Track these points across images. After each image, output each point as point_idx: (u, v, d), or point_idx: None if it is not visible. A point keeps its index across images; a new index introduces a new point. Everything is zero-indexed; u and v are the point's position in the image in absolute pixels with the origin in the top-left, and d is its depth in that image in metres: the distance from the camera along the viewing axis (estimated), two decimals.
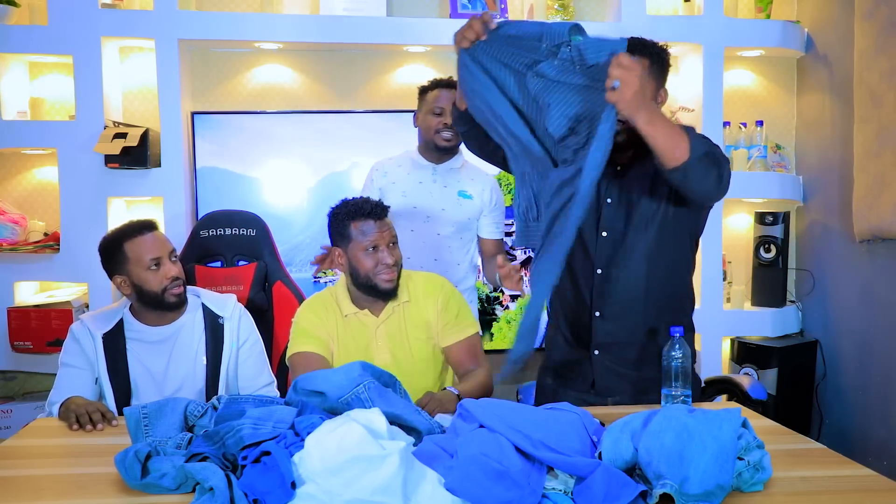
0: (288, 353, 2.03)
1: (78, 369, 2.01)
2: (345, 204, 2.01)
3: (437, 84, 2.50)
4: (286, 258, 2.86)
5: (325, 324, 2.02)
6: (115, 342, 2.02)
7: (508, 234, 3.23)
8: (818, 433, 3.44)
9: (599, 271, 1.87)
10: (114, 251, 2.02)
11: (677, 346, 1.69)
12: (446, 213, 2.50)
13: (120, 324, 2.05)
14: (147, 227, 2.04)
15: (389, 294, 1.99)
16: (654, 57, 1.81)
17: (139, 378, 2.02)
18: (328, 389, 1.54)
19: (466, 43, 1.70)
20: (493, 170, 2.74)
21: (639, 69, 1.51)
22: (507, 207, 2.67)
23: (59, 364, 2.04)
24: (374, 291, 1.99)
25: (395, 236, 2.01)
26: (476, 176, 2.58)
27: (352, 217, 1.97)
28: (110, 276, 2.04)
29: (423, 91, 2.53)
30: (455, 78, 2.36)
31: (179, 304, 2.05)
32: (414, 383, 1.96)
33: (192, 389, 2.03)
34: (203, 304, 2.10)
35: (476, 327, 2.10)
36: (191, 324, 2.07)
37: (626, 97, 1.49)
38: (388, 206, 2.02)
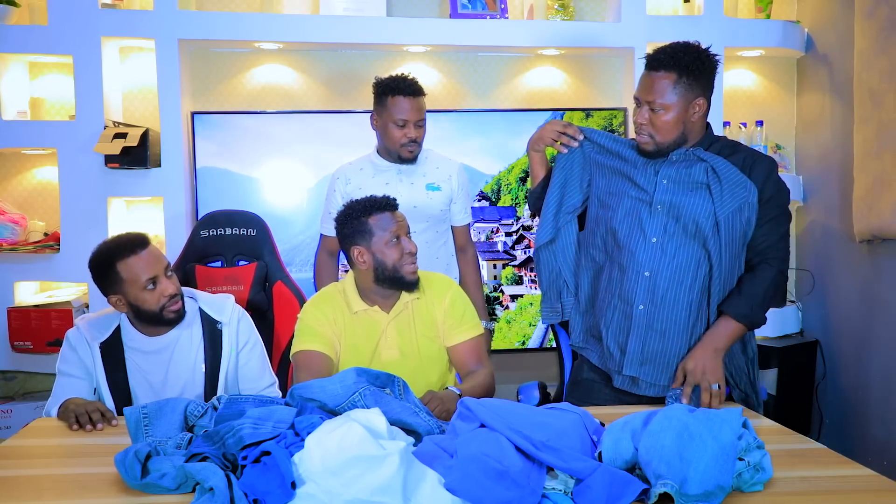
0: (292, 350, 2.03)
1: (76, 379, 1.98)
2: (356, 202, 2.02)
3: (395, 89, 2.44)
4: (286, 258, 2.86)
5: (333, 321, 2.02)
6: (113, 352, 1.98)
7: (501, 225, 3.24)
8: (818, 433, 3.44)
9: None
10: (106, 271, 1.92)
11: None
12: (418, 210, 2.50)
13: (117, 332, 2.00)
14: (140, 243, 1.94)
15: (413, 285, 2.00)
16: (682, 71, 1.81)
17: (139, 388, 2.00)
18: (324, 399, 1.54)
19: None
20: (457, 155, 2.75)
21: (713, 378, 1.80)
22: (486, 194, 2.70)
23: (57, 372, 2.00)
24: (399, 283, 1.99)
25: (409, 227, 2.04)
26: (441, 164, 2.59)
27: (368, 213, 1.98)
28: (104, 294, 1.97)
29: (381, 92, 2.47)
30: (410, 76, 2.48)
31: (179, 320, 2.00)
32: (419, 381, 1.97)
33: (190, 397, 2.00)
34: (200, 309, 2.06)
35: (480, 328, 2.10)
36: (189, 332, 2.03)
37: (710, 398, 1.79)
38: (396, 199, 2.04)
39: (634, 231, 1.90)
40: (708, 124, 1.95)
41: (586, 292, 2.04)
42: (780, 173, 3.59)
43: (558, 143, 2.04)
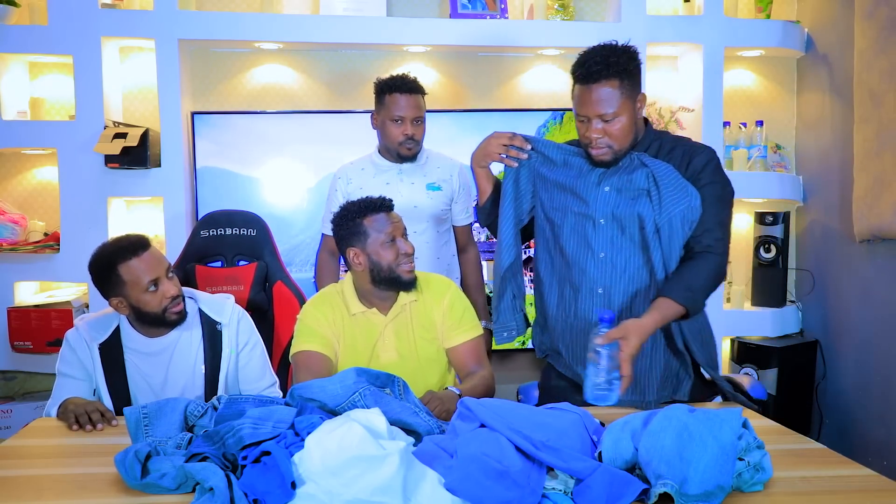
0: (292, 350, 2.03)
1: (76, 380, 1.98)
2: (352, 203, 2.01)
3: (395, 87, 2.45)
4: (286, 258, 2.86)
5: (332, 322, 2.02)
6: (112, 353, 1.98)
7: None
8: (818, 433, 3.44)
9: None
10: (108, 274, 1.91)
11: (601, 332, 1.65)
12: (419, 210, 2.51)
13: (116, 332, 2.00)
14: (141, 245, 1.93)
15: (411, 285, 2.00)
16: (622, 74, 1.77)
17: (138, 389, 1.99)
18: (324, 399, 1.54)
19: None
20: (457, 155, 2.76)
21: (633, 345, 1.65)
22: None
23: (57, 373, 2.00)
24: (395, 284, 1.98)
25: (406, 228, 2.03)
26: (442, 163, 2.59)
27: (363, 214, 1.98)
28: (105, 297, 1.95)
29: (380, 91, 2.49)
30: (410, 76, 2.47)
31: (180, 321, 1.99)
32: (418, 382, 1.96)
33: (190, 398, 2.00)
34: (200, 310, 2.05)
35: (479, 329, 2.10)
36: (188, 333, 2.02)
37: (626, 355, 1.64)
38: (392, 199, 2.03)
39: (582, 248, 1.87)
40: (645, 119, 1.92)
41: (540, 309, 2.01)
42: (779, 173, 3.62)
43: (505, 157, 1.94)
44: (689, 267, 1.80)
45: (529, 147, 1.94)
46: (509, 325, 2.01)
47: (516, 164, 1.95)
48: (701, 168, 1.84)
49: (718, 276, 1.82)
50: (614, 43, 1.82)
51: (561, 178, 1.91)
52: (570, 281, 1.90)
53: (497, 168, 1.99)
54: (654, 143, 1.89)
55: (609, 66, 1.76)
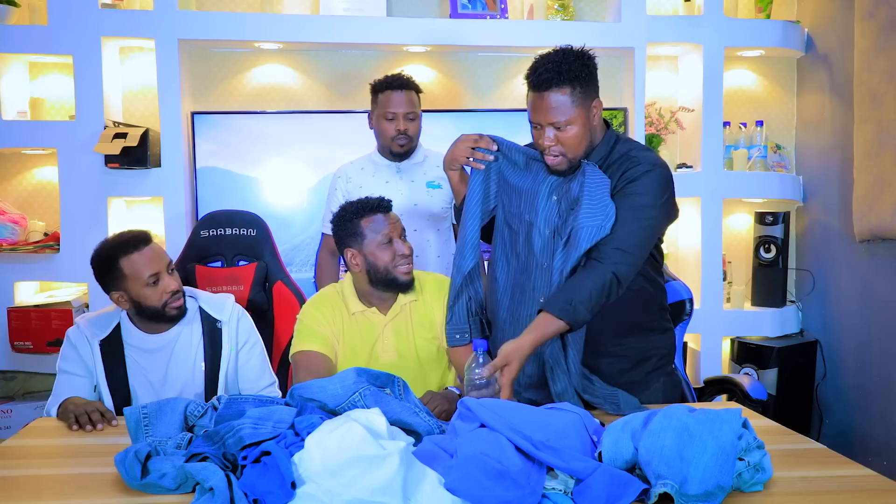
0: (291, 350, 2.03)
1: (76, 377, 1.99)
2: (350, 204, 2.02)
3: (387, 84, 2.47)
4: (286, 258, 2.86)
5: (331, 322, 2.02)
6: (113, 350, 1.99)
7: None
8: (818, 433, 3.44)
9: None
10: (109, 267, 1.94)
11: (480, 360, 1.62)
12: (419, 208, 2.51)
13: (117, 329, 2.01)
14: (143, 240, 1.96)
15: (408, 286, 2.00)
16: (574, 82, 1.73)
17: (138, 386, 2.00)
18: (324, 399, 1.54)
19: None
20: None
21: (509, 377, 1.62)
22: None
23: (57, 370, 2.01)
24: (392, 285, 1.99)
25: (404, 229, 2.03)
26: (441, 162, 2.58)
27: (360, 215, 1.98)
28: (106, 291, 1.98)
29: (375, 90, 2.51)
30: (405, 74, 2.49)
31: (180, 317, 2.01)
32: (418, 382, 1.97)
33: (190, 395, 2.01)
34: (200, 308, 2.07)
35: None
36: (189, 330, 2.04)
37: (507, 380, 1.61)
38: (391, 200, 2.03)
39: (530, 256, 1.86)
40: (607, 122, 1.89)
41: (491, 310, 1.98)
42: (779, 173, 3.61)
43: (472, 160, 1.90)
44: (574, 278, 1.74)
45: (496, 148, 1.91)
46: (462, 327, 1.96)
47: (483, 167, 1.91)
48: (634, 178, 1.77)
49: (605, 287, 1.70)
50: (569, 47, 1.78)
51: (520, 184, 1.89)
52: (521, 287, 1.89)
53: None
54: (607, 151, 1.84)
55: (560, 73, 1.72)
